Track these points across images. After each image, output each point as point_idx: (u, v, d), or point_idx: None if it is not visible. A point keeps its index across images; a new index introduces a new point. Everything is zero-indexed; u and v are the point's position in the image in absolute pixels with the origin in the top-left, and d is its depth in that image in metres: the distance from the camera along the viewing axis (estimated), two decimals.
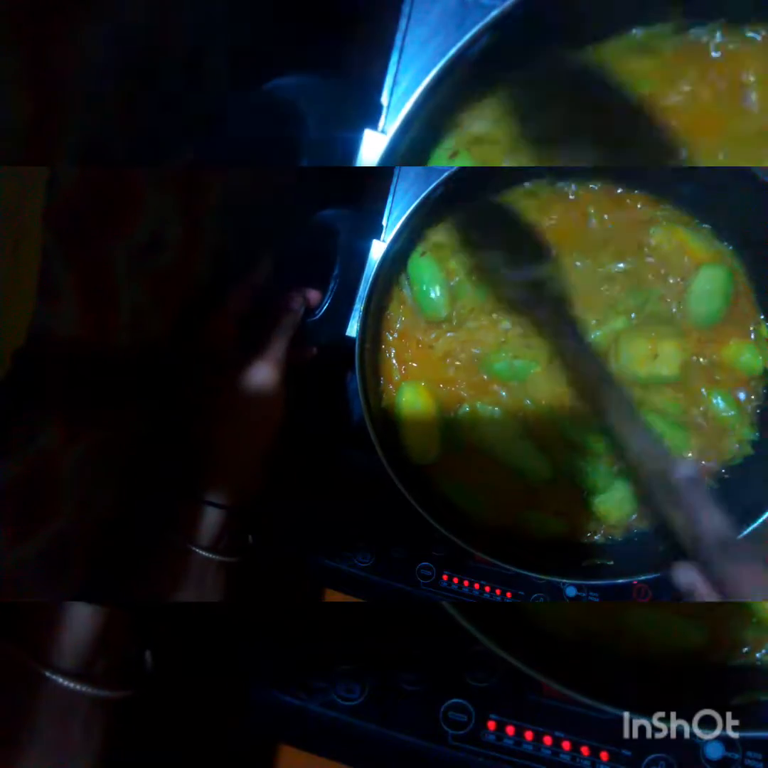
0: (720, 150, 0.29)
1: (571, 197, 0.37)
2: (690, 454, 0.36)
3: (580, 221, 0.36)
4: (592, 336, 0.36)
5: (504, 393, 0.36)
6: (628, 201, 0.36)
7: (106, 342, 0.25)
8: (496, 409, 0.36)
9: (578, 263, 0.36)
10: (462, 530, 0.33)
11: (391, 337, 0.37)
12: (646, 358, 0.35)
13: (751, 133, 0.29)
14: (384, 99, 0.31)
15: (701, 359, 0.36)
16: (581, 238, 0.36)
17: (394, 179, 0.34)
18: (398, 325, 0.37)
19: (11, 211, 0.19)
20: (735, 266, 0.36)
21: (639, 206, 0.36)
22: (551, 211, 0.36)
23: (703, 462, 0.36)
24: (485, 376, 0.36)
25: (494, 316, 0.36)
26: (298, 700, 0.36)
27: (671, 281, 0.36)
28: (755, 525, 0.32)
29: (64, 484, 0.24)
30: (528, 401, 0.36)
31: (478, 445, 0.36)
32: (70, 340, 0.23)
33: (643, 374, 0.35)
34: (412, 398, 0.36)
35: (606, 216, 0.36)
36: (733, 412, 0.36)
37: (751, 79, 0.29)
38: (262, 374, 0.31)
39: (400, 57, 0.30)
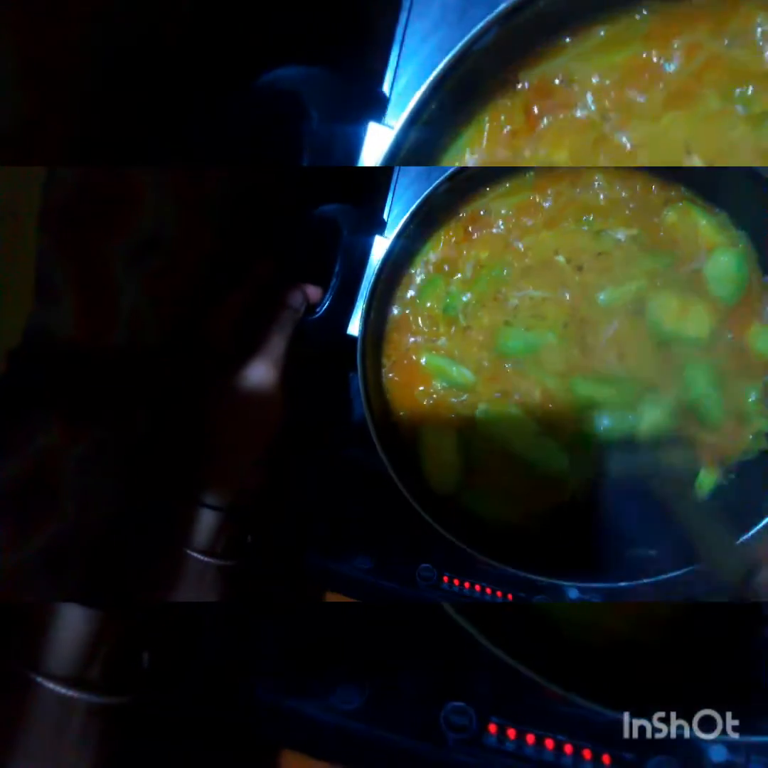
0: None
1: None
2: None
3: (585, 189, 0.35)
4: (612, 295, 0.35)
5: (517, 374, 0.36)
6: (640, 180, 0.35)
7: (103, 342, 0.25)
8: (512, 405, 0.36)
9: (585, 227, 0.35)
10: (464, 531, 0.33)
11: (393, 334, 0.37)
12: (675, 312, 0.34)
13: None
14: (385, 89, 0.30)
15: (729, 335, 0.35)
16: (584, 203, 0.35)
17: (395, 176, 0.34)
18: (400, 321, 0.37)
19: (8, 212, 0.19)
20: (750, 253, 0.35)
21: (654, 188, 0.36)
22: (547, 186, 0.35)
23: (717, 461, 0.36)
24: (497, 358, 0.36)
25: (500, 296, 0.36)
26: (297, 703, 0.36)
27: (686, 264, 0.35)
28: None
29: (64, 484, 0.24)
30: (546, 378, 0.35)
31: (492, 443, 0.36)
32: (67, 341, 0.23)
33: (670, 329, 0.34)
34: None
35: (617, 186, 0.35)
36: (754, 397, 0.35)
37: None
38: (261, 373, 0.30)
39: (400, 51, 0.30)
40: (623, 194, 0.35)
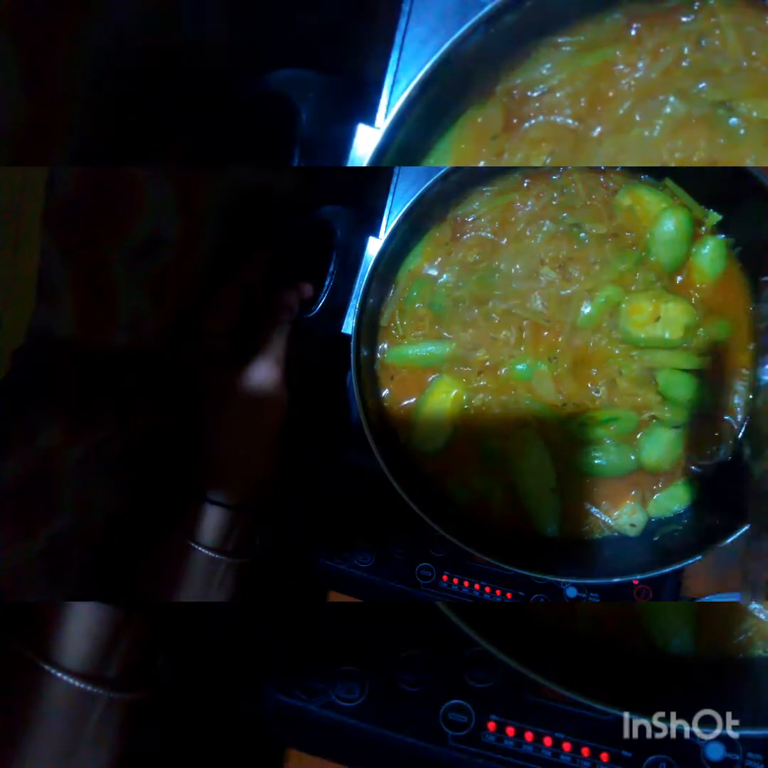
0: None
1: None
2: None
3: (566, 189, 0.36)
4: (587, 308, 0.35)
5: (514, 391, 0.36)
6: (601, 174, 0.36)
7: (105, 341, 0.25)
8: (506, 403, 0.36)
9: (561, 228, 0.35)
10: (461, 530, 0.33)
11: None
12: (647, 320, 0.34)
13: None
14: (384, 97, 0.31)
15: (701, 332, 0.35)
16: (562, 203, 0.35)
17: (394, 178, 0.34)
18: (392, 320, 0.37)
19: (11, 212, 0.19)
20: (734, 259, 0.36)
21: (602, 179, 0.36)
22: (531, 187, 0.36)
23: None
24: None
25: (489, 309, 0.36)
26: (298, 701, 0.36)
27: (645, 238, 0.35)
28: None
29: (64, 484, 0.24)
30: (530, 401, 0.36)
31: (488, 441, 0.36)
32: (69, 340, 0.23)
33: (644, 336, 0.34)
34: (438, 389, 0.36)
35: (590, 183, 0.35)
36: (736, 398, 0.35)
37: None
38: (264, 372, 0.31)
39: (400, 55, 0.30)
40: (593, 196, 0.36)
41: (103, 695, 0.22)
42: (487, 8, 0.26)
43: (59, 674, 0.21)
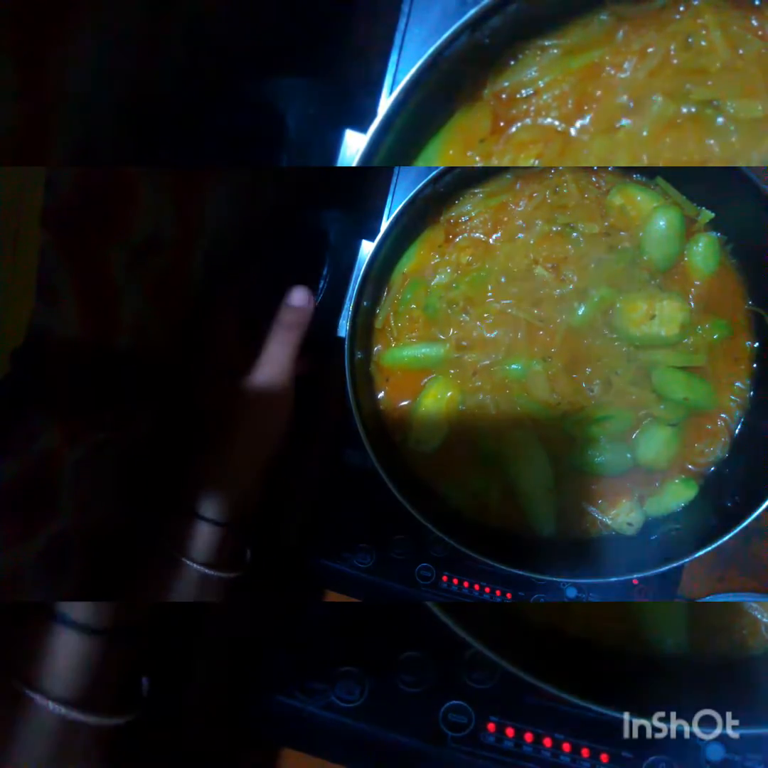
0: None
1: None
2: None
3: (559, 188, 0.36)
4: (581, 308, 0.35)
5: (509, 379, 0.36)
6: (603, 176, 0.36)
7: (105, 342, 0.25)
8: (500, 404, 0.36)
9: (556, 227, 0.35)
10: (458, 531, 0.33)
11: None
12: (642, 318, 0.34)
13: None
14: (383, 99, 0.31)
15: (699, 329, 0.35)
16: (556, 203, 0.35)
17: (394, 179, 0.34)
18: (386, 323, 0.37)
19: (10, 212, 0.19)
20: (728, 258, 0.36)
21: (593, 178, 0.36)
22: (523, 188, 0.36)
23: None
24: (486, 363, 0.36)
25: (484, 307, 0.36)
26: (298, 702, 0.36)
27: (638, 236, 0.35)
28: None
29: (64, 484, 0.24)
30: (525, 401, 0.36)
31: (483, 442, 0.36)
32: (69, 341, 0.23)
33: (639, 335, 0.34)
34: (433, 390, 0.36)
35: (582, 182, 0.36)
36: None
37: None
38: (268, 377, 0.30)
39: (399, 57, 0.30)
40: (585, 195, 0.36)
41: (87, 721, 0.22)
42: (472, 11, 0.26)
43: (43, 701, 0.21)
